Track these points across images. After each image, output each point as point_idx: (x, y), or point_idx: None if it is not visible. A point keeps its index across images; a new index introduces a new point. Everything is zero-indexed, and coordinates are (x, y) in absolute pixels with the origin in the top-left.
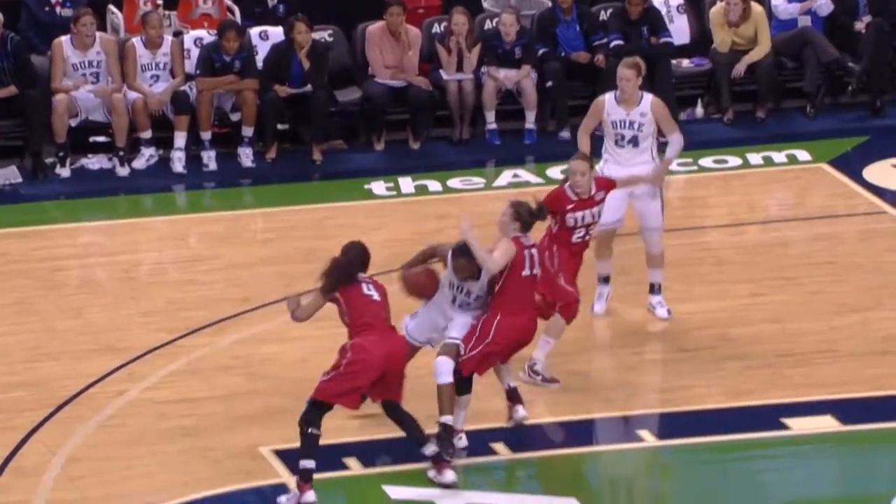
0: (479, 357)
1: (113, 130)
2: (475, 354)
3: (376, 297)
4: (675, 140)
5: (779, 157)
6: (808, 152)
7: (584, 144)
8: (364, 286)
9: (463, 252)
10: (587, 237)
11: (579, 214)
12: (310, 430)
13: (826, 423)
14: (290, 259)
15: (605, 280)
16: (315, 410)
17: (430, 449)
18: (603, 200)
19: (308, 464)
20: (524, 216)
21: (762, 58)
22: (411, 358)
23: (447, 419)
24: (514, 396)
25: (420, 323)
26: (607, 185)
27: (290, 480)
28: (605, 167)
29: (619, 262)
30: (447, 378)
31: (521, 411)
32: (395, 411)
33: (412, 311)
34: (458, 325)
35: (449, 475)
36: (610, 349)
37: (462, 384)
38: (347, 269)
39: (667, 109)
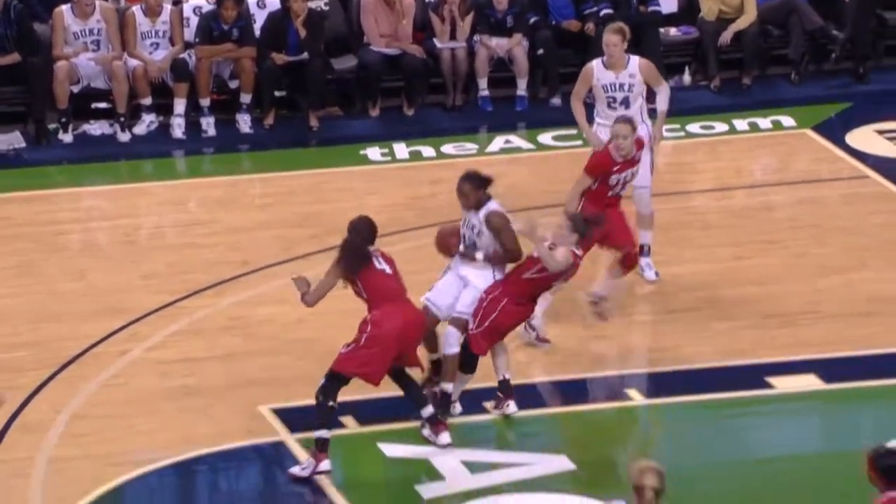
0: (486, 332)
1: (113, 97)
2: (483, 330)
3: (388, 270)
4: (663, 90)
5: (764, 123)
6: (793, 118)
7: (578, 112)
8: (375, 261)
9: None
10: (621, 193)
11: (622, 174)
12: (328, 403)
13: (810, 382)
14: (288, 223)
15: None
16: (333, 383)
17: (428, 411)
18: (639, 160)
19: (323, 434)
20: (581, 227)
21: (748, 26)
22: (434, 327)
23: (448, 387)
24: (506, 389)
25: (440, 290)
26: (641, 144)
27: (289, 438)
28: (597, 130)
29: None
30: (454, 349)
31: (511, 406)
32: (399, 375)
33: (415, 273)
34: (468, 301)
35: (444, 437)
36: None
37: (468, 363)
38: (362, 251)
39: (653, 67)
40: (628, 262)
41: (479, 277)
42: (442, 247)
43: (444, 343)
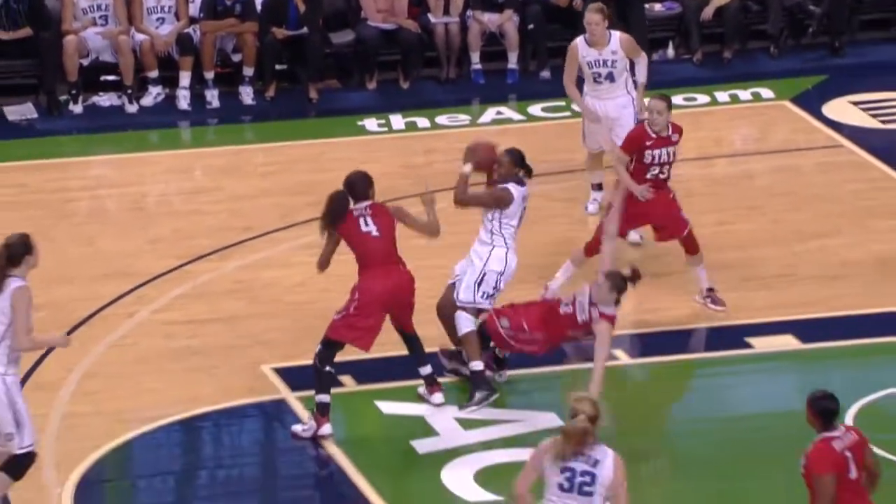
0: (511, 340)
1: (121, 70)
2: (508, 337)
3: (375, 232)
4: (641, 61)
5: (744, 94)
6: (772, 90)
7: (572, 92)
8: (361, 221)
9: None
10: (661, 176)
11: (657, 152)
12: (325, 369)
13: (787, 342)
14: (289, 191)
15: (598, 187)
16: (328, 349)
17: (426, 370)
18: (678, 142)
19: (324, 398)
20: (620, 285)
21: (729, 1)
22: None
23: (476, 365)
24: (500, 362)
25: (458, 277)
26: (678, 127)
27: (290, 396)
28: (588, 103)
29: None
30: (466, 328)
31: (505, 375)
32: (403, 333)
33: (409, 237)
34: (465, 285)
35: (437, 397)
36: (586, 275)
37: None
38: (337, 205)
39: (632, 41)
40: (689, 248)
41: (477, 256)
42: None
43: (457, 327)
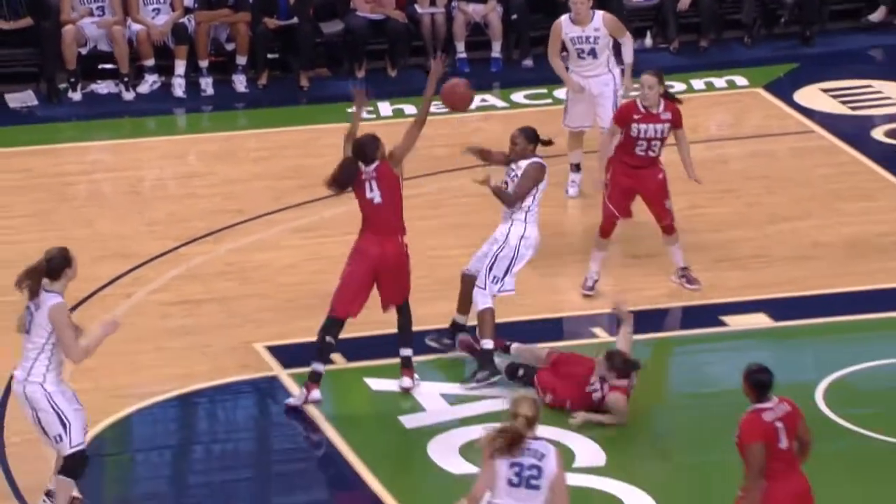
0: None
1: (116, 59)
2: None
3: (378, 199)
4: (627, 41)
5: (719, 82)
6: (746, 78)
7: (557, 64)
8: (367, 186)
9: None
10: (649, 154)
11: (643, 126)
12: (326, 339)
13: (760, 320)
14: (280, 175)
15: (577, 168)
16: (330, 322)
17: (406, 352)
18: (668, 121)
19: (318, 367)
20: (618, 364)
21: None
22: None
23: (487, 343)
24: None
25: (476, 257)
26: (675, 109)
27: (281, 373)
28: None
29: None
30: (483, 304)
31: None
32: (398, 309)
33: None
34: (483, 252)
35: (406, 381)
36: (566, 256)
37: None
38: (345, 171)
39: (616, 20)
40: (666, 230)
41: (497, 235)
42: (451, 97)
43: (475, 303)
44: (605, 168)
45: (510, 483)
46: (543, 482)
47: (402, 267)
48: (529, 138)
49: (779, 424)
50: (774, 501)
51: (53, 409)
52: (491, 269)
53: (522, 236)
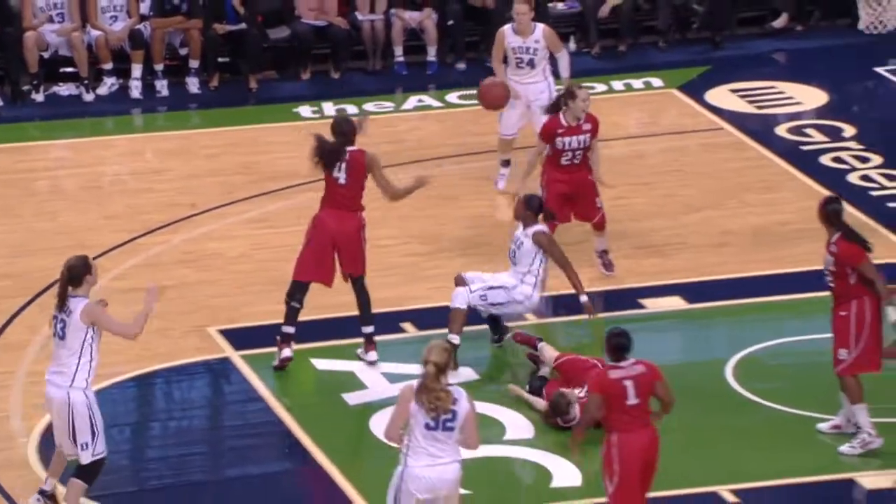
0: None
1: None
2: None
3: (343, 180)
4: (563, 56)
5: (637, 83)
6: (661, 79)
7: (498, 69)
8: (336, 167)
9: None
10: (574, 162)
11: (567, 139)
12: (291, 303)
13: (675, 303)
14: (231, 171)
15: (507, 163)
16: (293, 286)
17: (368, 329)
18: (589, 132)
19: (287, 329)
20: (562, 410)
21: (623, 1)
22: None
23: (454, 338)
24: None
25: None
26: (594, 120)
27: (233, 355)
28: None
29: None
30: (460, 304)
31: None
32: (355, 283)
33: None
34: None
35: (372, 355)
36: (494, 246)
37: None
38: (320, 144)
39: (555, 34)
40: (596, 227)
41: (509, 281)
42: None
43: (452, 299)
44: (524, 179)
45: (427, 427)
46: (457, 424)
47: (359, 241)
48: (532, 208)
49: (627, 383)
50: (621, 448)
51: (90, 416)
52: (490, 288)
53: (526, 295)
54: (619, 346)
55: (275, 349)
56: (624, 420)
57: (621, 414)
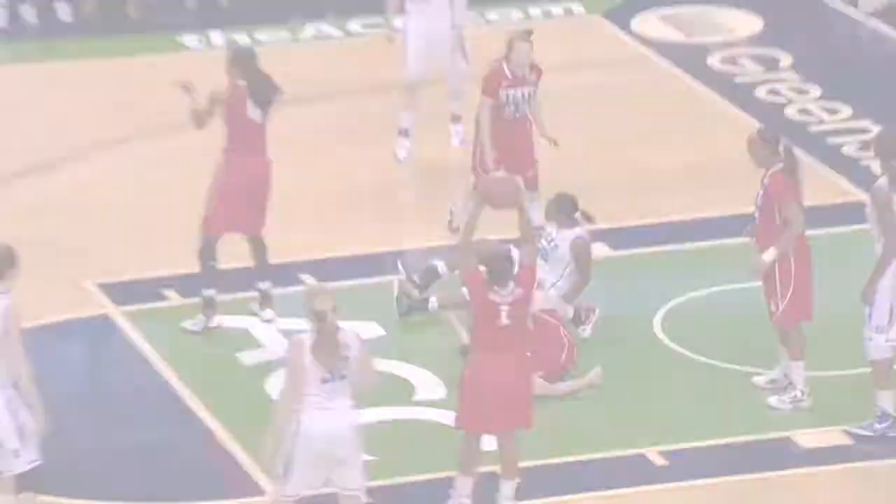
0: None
1: None
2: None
3: (258, 120)
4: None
5: (556, 10)
6: (583, 5)
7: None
8: (249, 103)
9: None
10: (517, 115)
11: (511, 92)
12: (208, 263)
13: (597, 250)
14: (108, 108)
15: (406, 133)
16: (205, 242)
17: (264, 285)
18: (533, 83)
19: (207, 292)
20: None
21: None
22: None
23: (433, 304)
24: None
25: None
26: (539, 71)
27: (113, 310)
28: (409, 20)
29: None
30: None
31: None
32: (252, 239)
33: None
34: None
35: (268, 313)
36: (405, 194)
37: None
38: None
39: None
40: (528, 184)
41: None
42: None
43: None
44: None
45: (324, 381)
46: (352, 368)
47: (267, 191)
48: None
49: (504, 307)
50: (476, 366)
51: (13, 417)
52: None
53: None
54: (498, 270)
55: (159, 304)
56: (491, 339)
57: (491, 332)
